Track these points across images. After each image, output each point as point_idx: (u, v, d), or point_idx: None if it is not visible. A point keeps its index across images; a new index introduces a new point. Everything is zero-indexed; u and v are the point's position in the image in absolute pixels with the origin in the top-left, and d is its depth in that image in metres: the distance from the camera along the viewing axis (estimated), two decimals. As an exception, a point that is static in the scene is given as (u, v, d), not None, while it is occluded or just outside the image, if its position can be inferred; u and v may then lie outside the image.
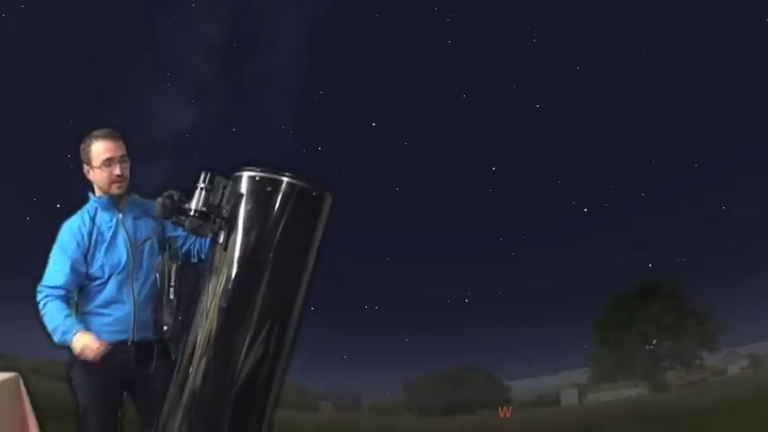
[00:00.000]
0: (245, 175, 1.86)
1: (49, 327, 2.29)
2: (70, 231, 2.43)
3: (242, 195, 1.84)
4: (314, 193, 1.85)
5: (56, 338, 2.27)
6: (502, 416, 16.20)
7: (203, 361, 1.80)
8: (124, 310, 2.40)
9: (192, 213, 1.88)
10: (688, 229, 19.89)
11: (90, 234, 2.41)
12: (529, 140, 21.08)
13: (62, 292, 2.32)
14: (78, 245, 2.39)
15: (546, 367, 20.60)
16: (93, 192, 2.50)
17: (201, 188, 1.89)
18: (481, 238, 21.03)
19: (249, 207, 1.83)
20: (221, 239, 1.86)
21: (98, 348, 2.20)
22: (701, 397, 14.89)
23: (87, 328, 2.31)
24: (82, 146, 2.48)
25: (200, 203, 1.88)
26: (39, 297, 2.32)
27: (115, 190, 2.45)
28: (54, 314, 2.28)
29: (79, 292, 2.41)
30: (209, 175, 1.92)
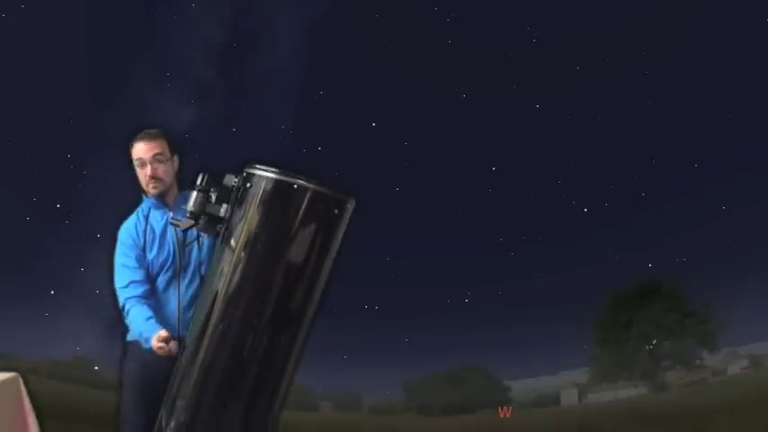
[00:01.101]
0: (262, 175, 1.77)
1: (134, 333, 2.39)
2: (127, 230, 2.50)
3: (258, 196, 1.77)
4: (337, 199, 1.79)
5: (137, 339, 2.36)
6: (502, 416, 16.20)
7: (209, 360, 1.77)
8: (169, 308, 2.44)
9: (188, 215, 1.86)
10: (688, 229, 19.87)
11: (144, 232, 2.48)
12: (529, 140, 21.05)
13: (139, 290, 2.38)
14: (135, 242, 2.45)
15: (546, 367, 20.56)
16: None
17: (199, 190, 1.87)
18: (481, 238, 21.00)
19: (265, 208, 1.77)
20: (226, 240, 1.82)
21: (170, 348, 2.24)
22: (701, 397, 14.89)
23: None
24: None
25: (196, 205, 1.86)
26: (120, 302, 2.38)
27: (151, 190, 2.50)
28: (136, 319, 2.36)
29: None
30: (206, 177, 1.89)
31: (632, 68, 20.26)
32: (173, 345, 2.19)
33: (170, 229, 2.45)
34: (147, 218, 2.47)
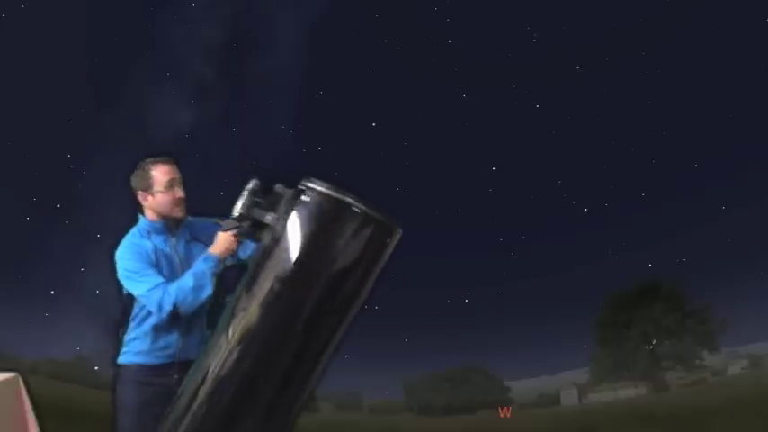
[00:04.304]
0: (321, 191, 1.69)
1: (200, 292, 2.23)
2: (135, 246, 2.39)
3: (312, 211, 1.71)
4: (390, 228, 1.72)
5: (208, 290, 2.22)
6: (502, 416, 16.22)
7: (230, 368, 1.73)
8: (173, 335, 2.39)
9: (233, 216, 1.84)
10: (688, 229, 19.91)
11: (153, 251, 2.41)
12: (529, 140, 21.10)
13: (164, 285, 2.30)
14: (147, 256, 2.37)
15: (546, 367, 20.61)
16: (143, 214, 2.45)
17: (250, 192, 1.84)
18: (481, 238, 21.07)
19: (318, 226, 1.70)
20: (269, 249, 1.76)
21: (232, 241, 2.21)
22: (701, 397, 14.89)
23: (134, 353, 2.37)
24: (137, 173, 2.44)
25: (244, 208, 1.83)
26: (159, 300, 2.23)
27: (178, 213, 2.43)
28: (184, 284, 2.23)
29: (127, 315, 2.41)
30: (258, 182, 1.86)
31: (632, 68, 20.28)
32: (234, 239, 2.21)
33: (174, 256, 2.41)
34: (150, 239, 2.41)
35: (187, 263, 2.38)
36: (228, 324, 1.76)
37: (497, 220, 22.70)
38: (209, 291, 2.24)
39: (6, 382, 2.41)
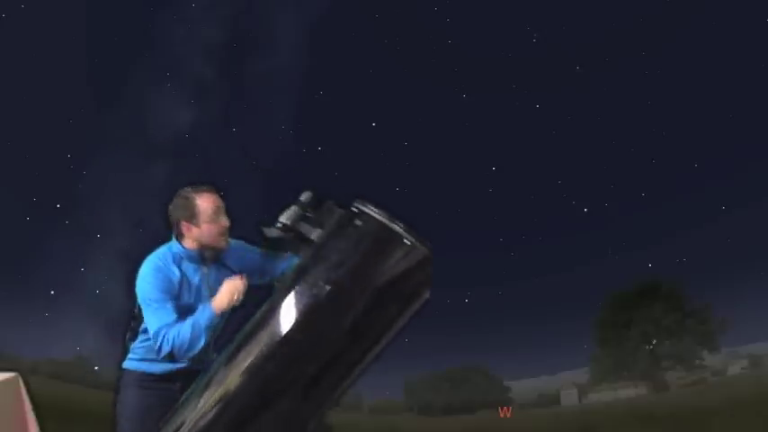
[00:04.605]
0: (379, 219, 1.64)
1: (195, 344, 2.24)
2: (162, 274, 2.39)
3: (357, 235, 1.66)
4: (429, 260, 1.66)
5: (202, 342, 2.22)
6: (502, 416, 16.22)
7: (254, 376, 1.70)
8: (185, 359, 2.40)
9: (278, 225, 1.81)
10: (688, 229, 19.94)
11: (180, 282, 2.40)
12: (529, 140, 21.12)
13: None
14: (170, 289, 2.37)
15: (546, 367, 20.63)
16: (179, 241, 2.41)
17: (300, 204, 1.81)
18: (481, 238, 21.07)
19: (371, 254, 1.65)
20: (310, 266, 1.73)
21: (240, 291, 2.21)
22: (701, 397, 14.89)
23: (138, 360, 2.36)
24: (178, 203, 2.39)
25: (290, 219, 1.81)
26: (160, 343, 2.24)
27: (222, 243, 2.42)
28: (183, 334, 2.24)
29: (138, 325, 2.40)
30: (310, 195, 1.84)
31: (632, 68, 20.29)
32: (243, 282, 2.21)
33: (204, 286, 2.41)
34: (180, 267, 2.41)
35: (214, 292, 2.38)
36: (252, 335, 1.72)
37: (497, 220, 22.74)
38: (202, 343, 2.22)
39: (6, 382, 2.41)
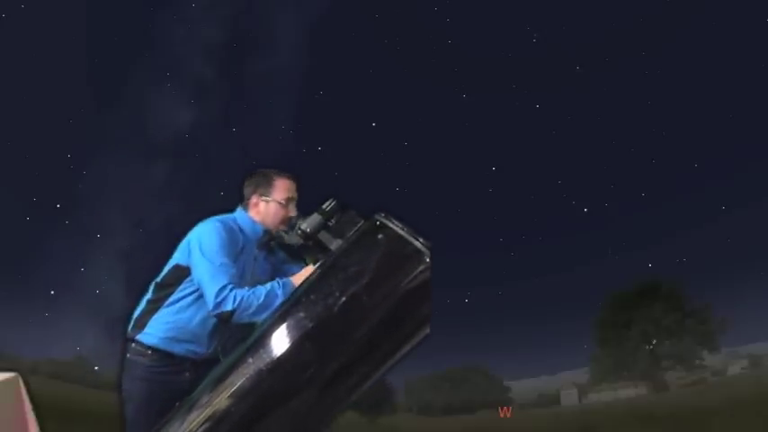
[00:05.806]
0: (402, 236, 1.64)
1: (261, 311, 2.09)
2: (232, 238, 2.28)
3: (379, 249, 1.65)
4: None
5: (269, 313, 2.03)
6: (502, 416, 16.22)
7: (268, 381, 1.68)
8: (203, 335, 2.34)
9: (299, 232, 1.79)
10: (688, 229, 19.94)
11: (242, 250, 2.35)
12: (529, 140, 21.12)
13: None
14: (234, 250, 2.29)
15: (546, 367, 20.64)
16: (246, 214, 2.40)
17: (321, 213, 1.79)
18: (481, 238, 21.07)
19: (390, 270, 1.63)
20: (326, 276, 1.71)
21: None
22: (701, 397, 14.89)
23: (159, 337, 2.26)
24: (259, 176, 2.41)
25: (311, 227, 1.79)
26: (222, 298, 2.10)
27: (281, 227, 2.42)
28: (254, 297, 2.10)
29: (166, 294, 2.30)
30: (333, 204, 1.82)
31: (632, 68, 20.29)
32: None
33: (249, 266, 2.39)
34: (242, 237, 2.38)
35: (252, 276, 2.31)
36: (263, 339, 1.70)
37: (497, 220, 22.73)
38: (268, 312, 2.07)
39: (6, 382, 2.41)
